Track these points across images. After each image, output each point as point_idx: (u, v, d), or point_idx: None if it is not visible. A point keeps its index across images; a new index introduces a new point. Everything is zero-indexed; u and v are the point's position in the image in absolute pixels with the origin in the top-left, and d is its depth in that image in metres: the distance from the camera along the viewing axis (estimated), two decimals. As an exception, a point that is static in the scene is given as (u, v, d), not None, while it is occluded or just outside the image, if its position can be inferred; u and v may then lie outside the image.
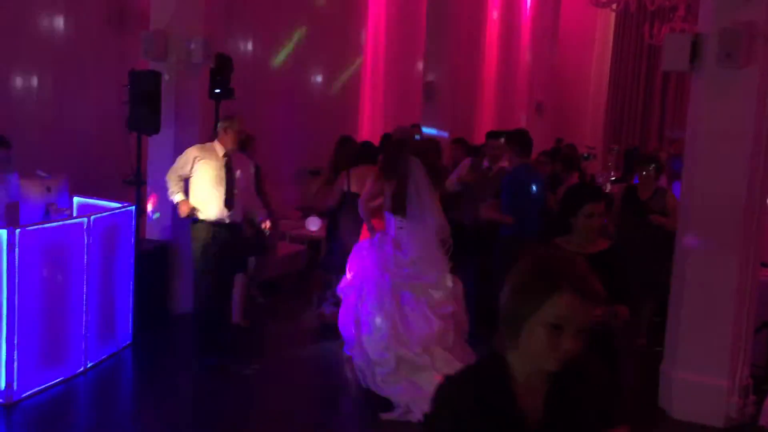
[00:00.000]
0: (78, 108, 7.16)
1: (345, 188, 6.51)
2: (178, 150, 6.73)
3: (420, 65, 11.49)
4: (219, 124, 5.79)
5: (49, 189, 5.33)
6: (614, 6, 13.73)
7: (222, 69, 7.24)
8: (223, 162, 5.64)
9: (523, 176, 6.02)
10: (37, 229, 4.91)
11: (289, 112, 9.88)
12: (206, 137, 7.12)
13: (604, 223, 8.02)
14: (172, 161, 6.79)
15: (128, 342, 6.11)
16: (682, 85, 18.43)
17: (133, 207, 6.05)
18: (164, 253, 6.81)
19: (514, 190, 5.98)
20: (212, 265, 5.62)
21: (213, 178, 5.61)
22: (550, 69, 16.36)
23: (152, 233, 6.94)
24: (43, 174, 5.39)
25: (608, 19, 18.52)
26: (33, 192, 5.20)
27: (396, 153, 5.56)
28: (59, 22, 7.05)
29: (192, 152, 5.69)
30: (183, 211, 5.67)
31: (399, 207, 5.37)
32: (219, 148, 5.67)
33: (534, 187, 5.96)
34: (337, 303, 6.35)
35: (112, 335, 5.86)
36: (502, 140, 6.70)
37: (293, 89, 9.89)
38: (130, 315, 6.11)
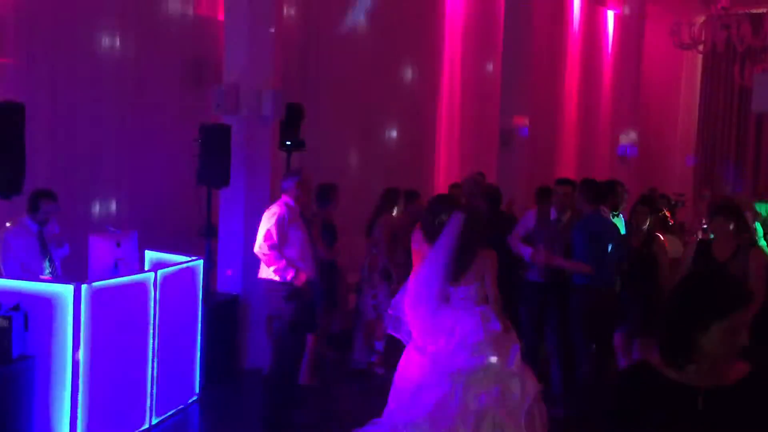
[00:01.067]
0: (150, 162, 7.28)
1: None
2: (249, 202, 6.75)
3: (497, 111, 11.25)
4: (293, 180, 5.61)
5: (118, 244, 5.35)
6: (700, 47, 13.21)
7: (293, 120, 7.23)
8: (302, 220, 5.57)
9: (596, 224, 5.76)
10: (104, 284, 4.90)
11: (363, 162, 9.82)
12: (277, 189, 7.13)
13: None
14: (243, 213, 6.83)
15: (195, 397, 6.02)
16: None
17: (201, 260, 6.01)
18: (234, 307, 6.74)
19: (586, 239, 5.68)
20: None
21: (301, 238, 5.51)
22: (635, 114, 15.82)
23: (223, 286, 6.90)
24: (113, 229, 5.43)
25: (695, 60, 17.92)
26: (102, 248, 5.22)
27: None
28: (133, 75, 7.24)
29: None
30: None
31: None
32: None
33: (608, 238, 5.69)
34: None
35: (178, 390, 5.78)
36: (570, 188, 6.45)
37: (367, 138, 9.84)
38: (198, 370, 6.03)
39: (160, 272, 5.36)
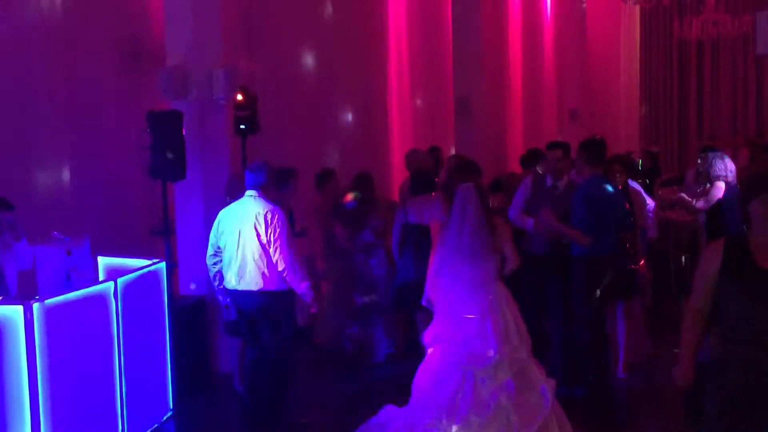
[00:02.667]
0: (94, 159, 6.58)
1: (404, 220, 5.99)
2: (209, 195, 6.18)
3: (449, 80, 10.84)
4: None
5: (69, 252, 4.74)
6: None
7: (247, 102, 6.65)
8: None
9: (599, 189, 5.36)
10: (58, 301, 4.30)
11: (314, 144, 9.26)
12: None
13: None
14: (202, 208, 6.26)
15: (169, 413, 5.47)
16: (717, 79, 17.70)
17: (164, 263, 5.44)
18: (201, 310, 6.19)
19: (589, 205, 5.31)
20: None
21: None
22: (581, 73, 15.68)
23: (186, 289, 6.33)
24: (61, 236, 4.80)
25: (633, 15, 17.85)
26: (51, 258, 4.60)
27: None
28: (67, 68, 6.45)
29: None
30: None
31: None
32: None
33: (614, 204, 5.33)
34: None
35: (151, 408, 5.23)
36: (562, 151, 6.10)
37: (318, 119, 9.27)
38: (170, 382, 5.48)
39: (120, 281, 4.78)
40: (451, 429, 4.12)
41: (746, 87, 17.54)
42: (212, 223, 6.18)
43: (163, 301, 5.39)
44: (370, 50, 10.13)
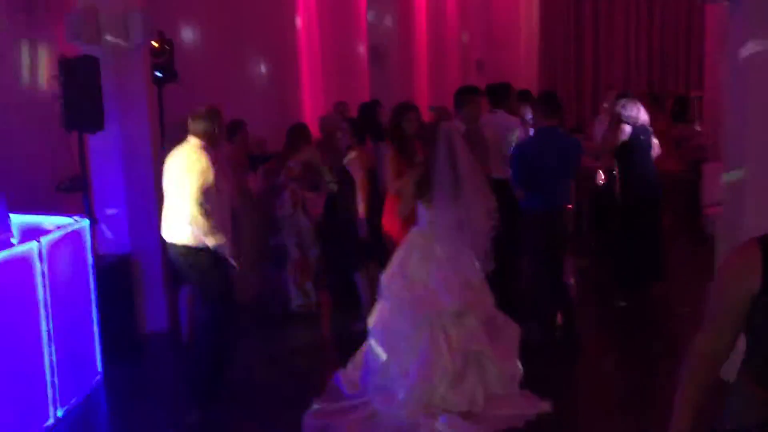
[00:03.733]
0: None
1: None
2: (128, 147, 5.85)
3: (363, 29, 10.63)
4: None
5: (-16, 212, 4.34)
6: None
7: (163, 49, 6.27)
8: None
9: (560, 140, 5.43)
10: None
11: (228, 94, 8.90)
12: (156, 130, 6.22)
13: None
14: (121, 161, 5.92)
15: (99, 377, 5.21)
16: (610, 26, 18.27)
17: (87, 221, 5.10)
18: (125, 268, 5.88)
19: (546, 156, 5.30)
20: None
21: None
22: (485, 24, 15.77)
23: (107, 247, 5.98)
24: (-27, 194, 4.39)
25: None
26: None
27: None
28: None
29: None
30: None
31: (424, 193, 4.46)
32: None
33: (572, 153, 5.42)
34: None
35: (81, 374, 4.96)
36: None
37: (229, 70, 8.90)
38: (98, 346, 5.21)
39: (44, 240, 4.44)
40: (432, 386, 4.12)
41: (638, 39, 18.21)
42: (133, 175, 5.90)
43: (87, 262, 5.08)
44: (279, 8, 9.79)
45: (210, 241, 4.46)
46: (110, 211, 5.90)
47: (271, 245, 6.59)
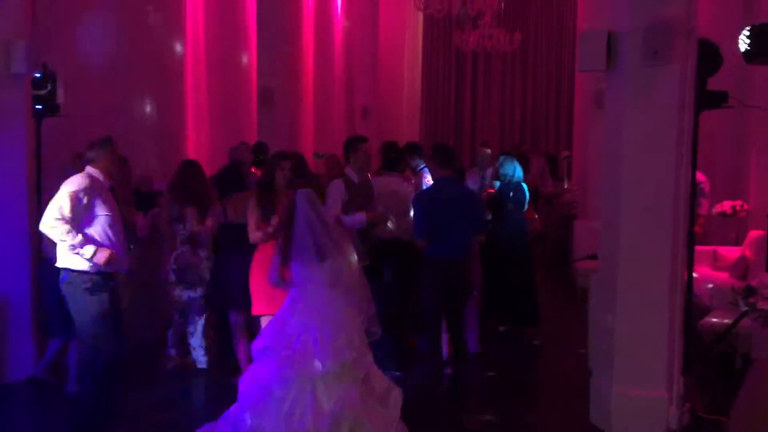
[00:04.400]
0: None
1: (222, 219, 5.77)
2: (3, 181, 5.52)
3: (253, 70, 10.60)
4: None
5: None
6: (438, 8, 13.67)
7: (45, 80, 5.99)
8: None
9: (452, 188, 5.56)
10: None
11: (112, 130, 8.57)
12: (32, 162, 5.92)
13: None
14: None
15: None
16: (489, 89, 19.19)
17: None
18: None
19: (440, 205, 5.41)
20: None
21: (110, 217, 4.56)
22: (371, 73, 16.14)
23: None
24: None
25: (417, 21, 18.74)
26: None
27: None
28: None
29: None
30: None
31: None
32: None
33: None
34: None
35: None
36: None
37: (114, 104, 8.60)
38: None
39: None
40: None
41: (512, 98, 19.22)
42: (9, 212, 5.58)
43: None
44: (168, 41, 9.59)
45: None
46: None
47: (185, 299, 6.13)
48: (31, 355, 5.74)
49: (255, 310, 5.16)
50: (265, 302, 5.02)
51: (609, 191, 4.92)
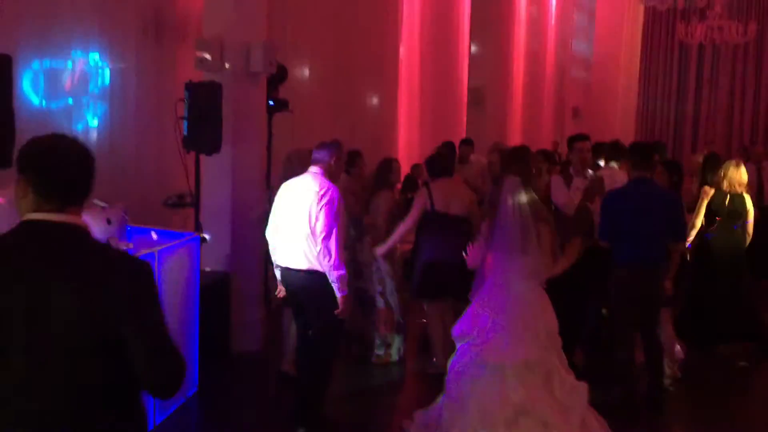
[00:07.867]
0: (124, 129, 6.42)
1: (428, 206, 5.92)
2: (238, 170, 6.09)
3: (464, 70, 10.78)
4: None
5: (109, 221, 4.58)
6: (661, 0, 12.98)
7: (276, 78, 6.54)
8: None
9: (643, 191, 5.19)
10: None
11: (332, 127, 9.15)
12: (265, 156, 6.48)
13: None
14: (231, 183, 6.15)
15: (194, 389, 5.38)
16: (716, 86, 17.87)
17: (198, 237, 5.32)
18: (225, 286, 6.08)
19: (621, 209, 5.15)
20: None
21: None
22: (586, 69, 15.72)
23: (209, 263, 6.18)
24: (101, 203, 4.63)
25: (637, 14, 17.96)
26: (94, 226, 4.45)
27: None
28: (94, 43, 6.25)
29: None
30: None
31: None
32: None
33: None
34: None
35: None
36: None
37: (334, 102, 9.17)
38: (196, 359, 5.38)
39: (159, 252, 4.66)
40: None
41: (744, 96, 17.75)
42: (240, 197, 6.11)
43: (195, 277, 5.28)
44: (383, 46, 10.03)
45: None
46: (207, 235, 6.05)
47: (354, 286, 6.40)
48: (258, 329, 6.30)
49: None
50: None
51: None
